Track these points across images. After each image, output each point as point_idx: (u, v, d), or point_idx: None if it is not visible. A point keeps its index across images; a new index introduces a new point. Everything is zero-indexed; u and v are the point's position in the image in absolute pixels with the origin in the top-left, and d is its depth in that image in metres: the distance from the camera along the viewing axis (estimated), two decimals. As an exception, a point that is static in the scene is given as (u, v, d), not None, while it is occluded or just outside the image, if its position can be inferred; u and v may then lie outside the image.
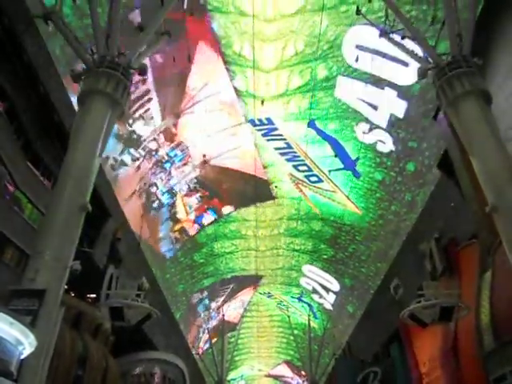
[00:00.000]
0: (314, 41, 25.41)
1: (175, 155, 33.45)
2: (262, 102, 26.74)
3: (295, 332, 49.98)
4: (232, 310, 50.39)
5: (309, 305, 48.38)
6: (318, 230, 38.32)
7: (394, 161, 27.76)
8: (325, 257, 40.31)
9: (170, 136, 31.74)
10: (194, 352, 47.14)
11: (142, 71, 15.75)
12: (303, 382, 59.40)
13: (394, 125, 26.41)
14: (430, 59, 15.01)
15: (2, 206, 17.54)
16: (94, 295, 24.65)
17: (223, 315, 46.80)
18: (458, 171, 19.73)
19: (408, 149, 26.26)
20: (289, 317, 49.37)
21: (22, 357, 8.99)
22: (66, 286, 12.53)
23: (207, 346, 49.17)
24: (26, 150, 19.49)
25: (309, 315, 47.22)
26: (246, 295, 50.22)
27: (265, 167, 34.40)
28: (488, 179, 12.45)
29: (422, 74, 15.17)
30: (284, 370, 68.54)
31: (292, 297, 50.08)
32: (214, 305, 48.23)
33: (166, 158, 33.12)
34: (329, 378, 47.57)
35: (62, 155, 14.11)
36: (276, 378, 71.50)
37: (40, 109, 19.55)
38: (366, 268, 36.05)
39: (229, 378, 46.77)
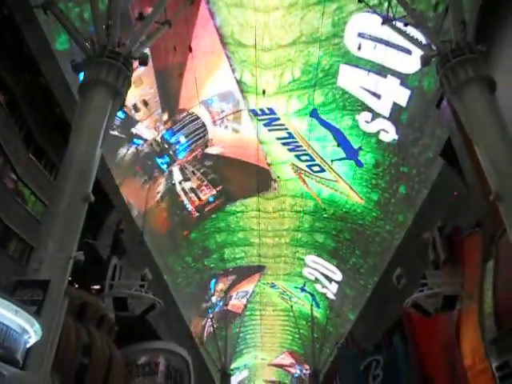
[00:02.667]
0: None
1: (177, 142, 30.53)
2: (264, 92, 26.60)
3: (298, 322, 50.18)
4: (235, 300, 50.68)
5: (311, 294, 48.55)
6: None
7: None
8: None
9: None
10: (197, 342, 47.51)
11: (143, 61, 15.64)
12: (306, 370, 59.80)
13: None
14: (433, 46, 14.86)
15: (5, 197, 17.58)
16: (97, 286, 24.76)
17: (227, 305, 47.07)
18: (461, 159, 19.60)
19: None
20: (291, 307, 49.57)
21: (28, 345, 9.07)
22: (69, 278, 12.59)
23: (211, 335, 49.48)
24: (28, 141, 19.45)
25: (311, 305, 47.42)
26: (249, 285, 50.45)
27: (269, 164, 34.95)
28: (492, 167, 12.38)
29: (425, 61, 15.03)
30: (286, 360, 69.07)
31: (295, 287, 50.33)
32: (218, 294, 48.66)
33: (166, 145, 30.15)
34: (331, 366, 47.90)
35: (64, 147, 14.09)
36: (279, 366, 72.06)
37: (41, 100, 19.48)
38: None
39: (232, 366, 47.00)
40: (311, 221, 38.99)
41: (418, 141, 25.37)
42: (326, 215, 36.99)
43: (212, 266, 44.23)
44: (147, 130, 28.11)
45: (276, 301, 52.94)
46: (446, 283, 13.51)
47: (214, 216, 38.47)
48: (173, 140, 30.03)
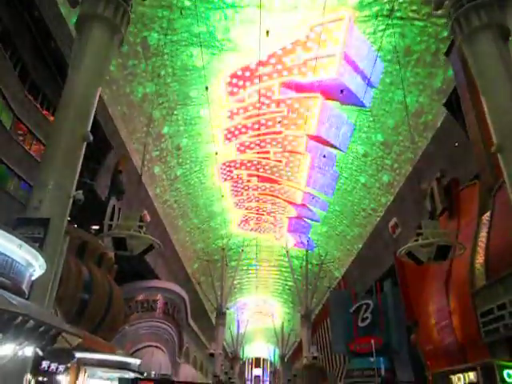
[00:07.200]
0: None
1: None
2: (267, 33, 25.56)
3: (293, 264, 51.44)
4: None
5: (307, 239, 49.50)
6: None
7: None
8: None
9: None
10: (194, 282, 49.08)
11: (143, -5, 14.88)
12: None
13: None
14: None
15: (2, 136, 17.35)
16: (96, 227, 25.15)
17: (223, 247, 48.14)
18: (465, 110, 19.32)
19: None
20: (287, 252, 50.60)
21: (33, 278, 9.39)
22: (69, 218, 12.75)
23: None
24: (24, 78, 18.89)
25: (306, 250, 48.47)
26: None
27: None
28: (497, 118, 12.19)
29: (437, 4, 14.36)
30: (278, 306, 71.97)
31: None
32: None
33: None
34: (323, 308, 49.89)
35: (61, 84, 13.72)
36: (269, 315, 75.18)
37: (36, 35, 18.70)
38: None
39: (228, 306, 48.83)
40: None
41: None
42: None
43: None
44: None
45: (272, 243, 54.00)
46: (442, 234, 13.64)
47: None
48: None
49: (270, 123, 33.90)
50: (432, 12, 19.28)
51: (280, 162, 38.80)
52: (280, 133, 34.88)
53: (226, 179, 40.36)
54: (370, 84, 27.52)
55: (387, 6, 22.42)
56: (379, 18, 23.31)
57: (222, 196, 41.59)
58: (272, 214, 48.22)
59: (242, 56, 27.53)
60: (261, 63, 27.88)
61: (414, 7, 22.17)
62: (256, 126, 34.07)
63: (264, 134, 35.24)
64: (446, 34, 22.01)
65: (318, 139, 34.44)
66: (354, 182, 36.26)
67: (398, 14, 22.59)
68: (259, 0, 23.19)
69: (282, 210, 46.93)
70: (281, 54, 27.70)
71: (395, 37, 23.16)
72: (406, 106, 23.94)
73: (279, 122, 33.77)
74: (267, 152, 37.64)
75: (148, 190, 32.66)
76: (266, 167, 39.78)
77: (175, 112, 30.56)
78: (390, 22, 22.49)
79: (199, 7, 23.25)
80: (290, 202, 44.66)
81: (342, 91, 29.11)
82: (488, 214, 15.90)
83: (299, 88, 30.21)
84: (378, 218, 35.80)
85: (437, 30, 22.48)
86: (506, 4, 14.87)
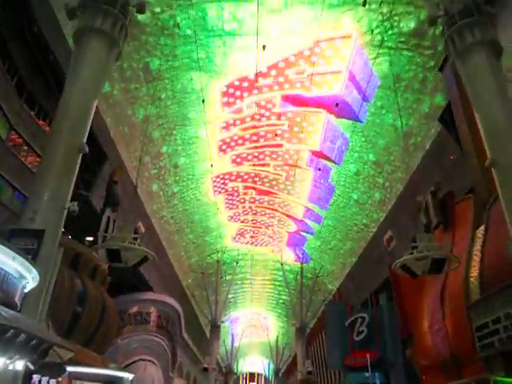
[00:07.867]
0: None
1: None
2: (264, 47, 25.80)
3: (287, 278, 51.22)
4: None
5: (302, 253, 49.45)
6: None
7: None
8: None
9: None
10: (189, 295, 48.68)
11: (141, 8, 15.02)
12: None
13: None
14: (441, 6, 14.38)
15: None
16: (91, 238, 24.96)
17: (218, 260, 47.88)
18: (458, 125, 19.53)
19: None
20: (282, 264, 50.46)
21: (26, 290, 9.26)
22: (63, 229, 12.66)
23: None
24: (21, 89, 18.93)
25: (302, 264, 48.34)
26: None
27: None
28: (490, 133, 12.34)
29: (431, 21, 14.59)
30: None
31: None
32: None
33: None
34: (318, 321, 49.56)
35: (58, 95, 13.76)
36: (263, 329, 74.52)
37: (34, 47, 18.77)
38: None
39: (222, 319, 48.42)
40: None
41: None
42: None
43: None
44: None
45: (267, 256, 53.80)
46: (436, 247, 13.65)
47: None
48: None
49: (269, 135, 33.96)
50: (425, 25, 19.73)
51: (280, 175, 38.75)
52: (280, 146, 34.91)
53: (220, 192, 40.16)
54: (365, 98, 27.75)
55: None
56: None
57: (218, 209, 41.43)
58: (270, 228, 47.92)
59: (239, 76, 28.18)
60: (261, 74, 28.11)
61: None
62: (254, 138, 34.11)
63: (263, 147, 35.23)
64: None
65: (320, 155, 34.53)
66: (346, 199, 36.97)
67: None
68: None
69: (281, 224, 46.75)
70: (283, 66, 28.02)
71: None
72: (401, 127, 25.15)
73: (277, 135, 33.81)
74: (266, 165, 37.52)
75: (145, 207, 32.77)
76: (265, 180, 39.62)
77: (174, 132, 31.16)
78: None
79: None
80: (290, 216, 44.46)
81: (336, 104, 29.25)
82: (482, 227, 15.98)
83: (297, 101, 30.35)
84: (371, 234, 36.16)
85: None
86: (499, 21, 15.19)
